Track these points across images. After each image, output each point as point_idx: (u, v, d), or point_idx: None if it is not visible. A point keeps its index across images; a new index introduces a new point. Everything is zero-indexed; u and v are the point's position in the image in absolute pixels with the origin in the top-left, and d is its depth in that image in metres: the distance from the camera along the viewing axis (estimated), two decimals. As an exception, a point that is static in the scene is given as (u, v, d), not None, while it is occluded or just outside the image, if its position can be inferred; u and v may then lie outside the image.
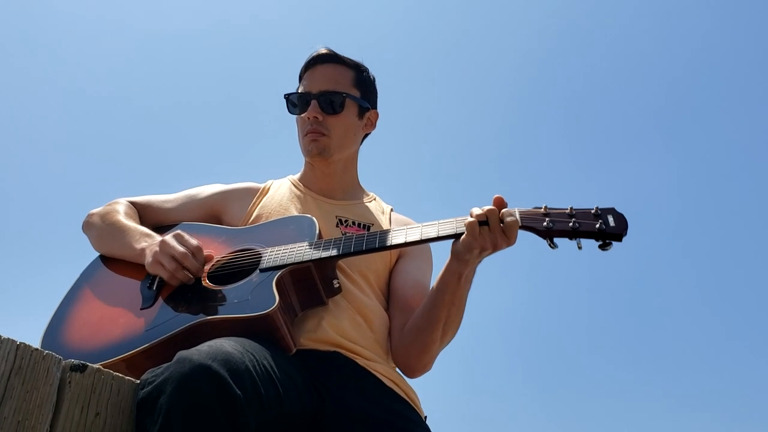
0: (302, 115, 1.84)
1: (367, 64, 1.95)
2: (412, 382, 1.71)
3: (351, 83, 1.87)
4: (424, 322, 1.64)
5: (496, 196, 1.50)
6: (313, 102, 1.82)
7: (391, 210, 1.97)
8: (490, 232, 1.46)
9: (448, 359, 1.81)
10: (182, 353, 1.17)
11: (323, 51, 1.88)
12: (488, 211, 1.47)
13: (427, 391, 1.74)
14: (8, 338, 0.99)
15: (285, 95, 1.88)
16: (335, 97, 1.83)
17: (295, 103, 1.86)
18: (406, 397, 1.62)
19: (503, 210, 1.49)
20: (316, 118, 1.81)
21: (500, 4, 7.76)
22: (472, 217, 1.48)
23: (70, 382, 1.06)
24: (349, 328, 1.61)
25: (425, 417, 1.69)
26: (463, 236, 1.49)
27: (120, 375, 1.17)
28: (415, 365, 1.69)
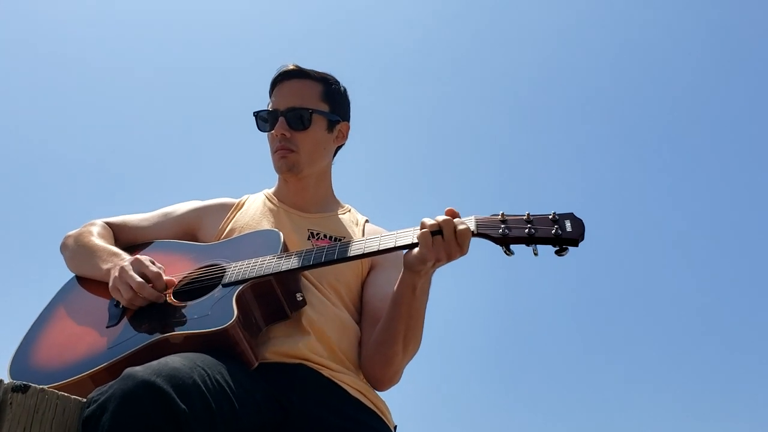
0: (271, 132, 1.87)
1: (339, 73, 1.95)
2: (382, 393, 1.72)
3: (318, 97, 1.88)
4: (383, 335, 1.65)
5: (448, 208, 1.51)
6: (281, 119, 1.84)
7: (366, 221, 1.98)
8: (444, 241, 1.47)
9: (419, 368, 1.82)
10: (128, 370, 1.19)
11: (290, 67, 1.90)
12: (442, 221, 1.48)
13: (398, 401, 1.75)
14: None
15: (254, 113, 1.91)
16: (302, 113, 1.84)
17: (265, 119, 1.89)
18: (373, 407, 1.63)
19: (456, 219, 1.49)
20: (284, 135, 1.84)
21: (485, 15, 7.67)
22: (424, 228, 1.49)
23: (11, 404, 1.10)
24: (317, 341, 1.62)
25: (395, 427, 1.69)
26: (417, 248, 1.50)
27: (66, 394, 1.20)
28: (381, 378, 1.70)
